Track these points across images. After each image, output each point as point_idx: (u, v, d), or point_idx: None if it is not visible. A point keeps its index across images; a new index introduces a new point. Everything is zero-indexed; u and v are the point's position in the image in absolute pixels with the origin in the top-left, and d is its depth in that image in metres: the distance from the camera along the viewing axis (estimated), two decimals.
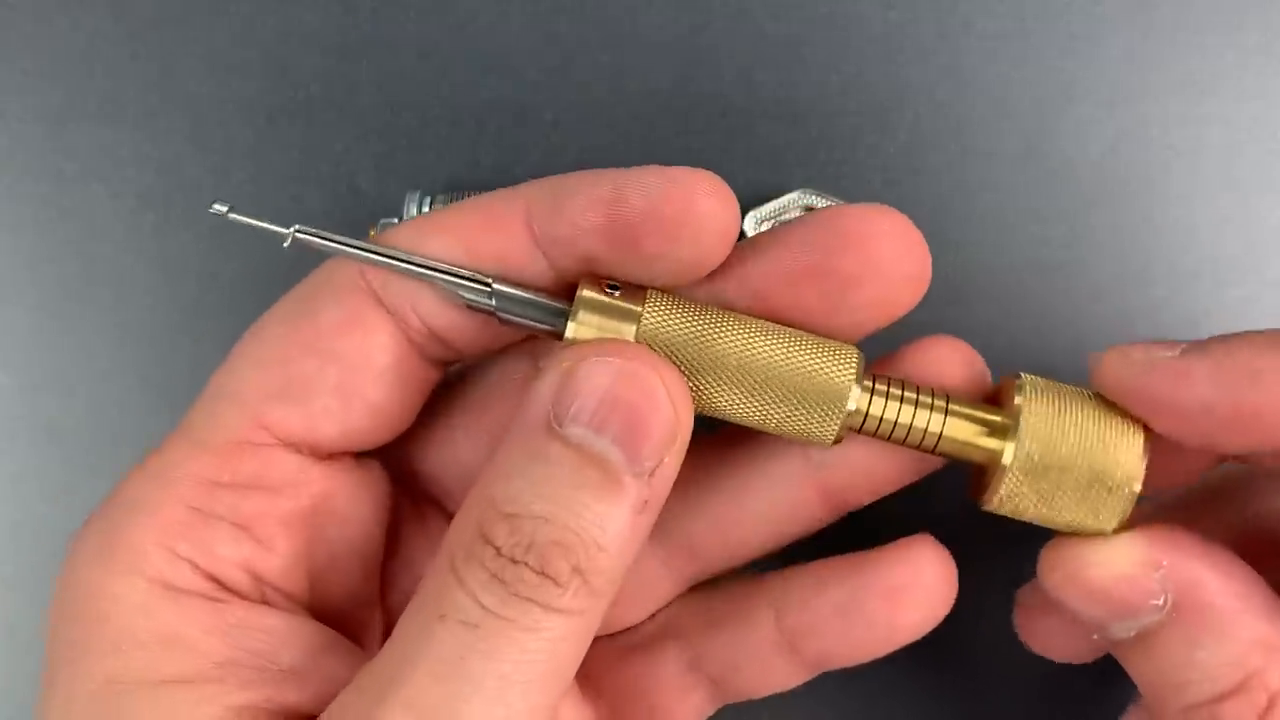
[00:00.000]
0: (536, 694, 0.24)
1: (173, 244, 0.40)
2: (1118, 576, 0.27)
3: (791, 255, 0.27)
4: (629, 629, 0.33)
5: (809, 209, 0.39)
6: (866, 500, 0.31)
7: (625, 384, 0.25)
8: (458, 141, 0.41)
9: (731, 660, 0.31)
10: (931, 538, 0.30)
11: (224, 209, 0.27)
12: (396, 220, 0.39)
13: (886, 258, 0.27)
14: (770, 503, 0.31)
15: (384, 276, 0.27)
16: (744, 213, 0.39)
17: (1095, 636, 0.28)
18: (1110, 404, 0.28)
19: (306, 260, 0.28)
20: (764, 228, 0.39)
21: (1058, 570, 0.28)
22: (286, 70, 0.41)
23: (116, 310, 0.40)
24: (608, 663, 0.32)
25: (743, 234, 0.39)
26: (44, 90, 0.41)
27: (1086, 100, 0.40)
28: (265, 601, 0.27)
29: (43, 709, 0.26)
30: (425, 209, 0.38)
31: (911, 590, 0.29)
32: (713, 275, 0.27)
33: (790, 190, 0.39)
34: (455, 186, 0.40)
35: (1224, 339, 0.27)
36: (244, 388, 0.27)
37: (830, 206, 0.28)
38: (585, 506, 0.24)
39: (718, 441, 0.27)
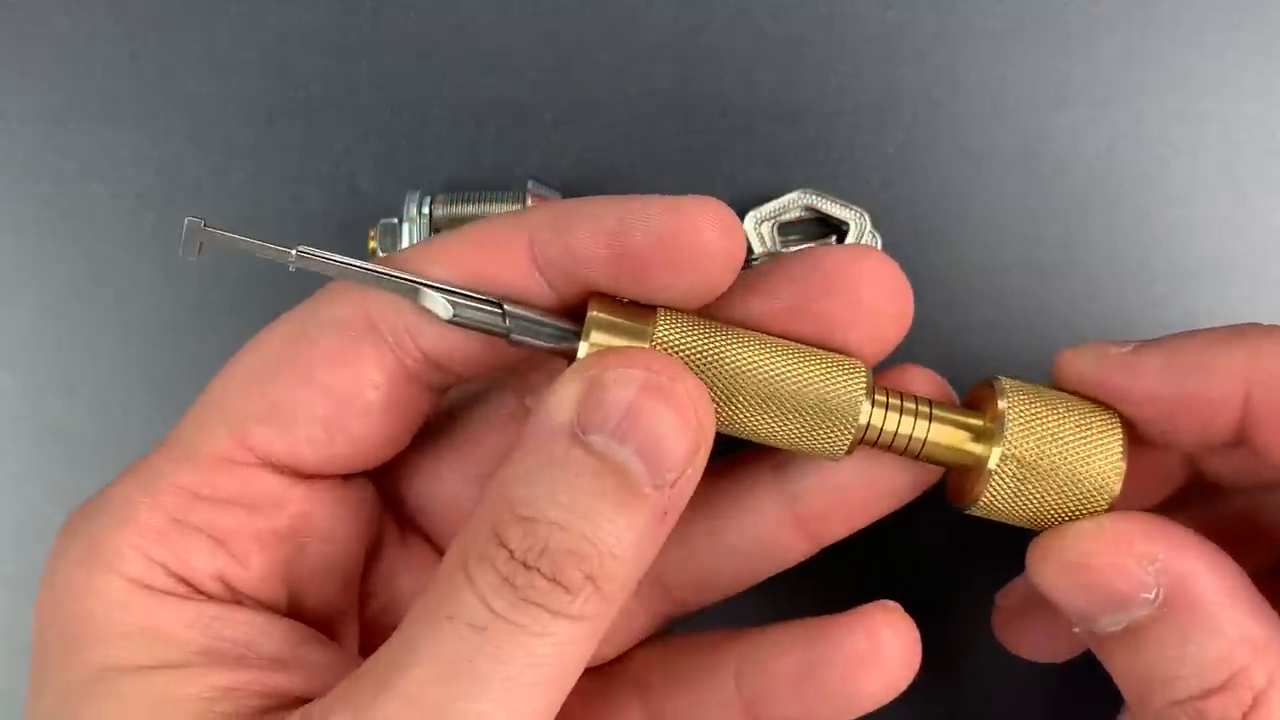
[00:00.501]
0: (541, 696, 0.24)
1: (173, 244, 0.40)
2: (1112, 567, 0.27)
3: (781, 297, 0.28)
4: (599, 667, 0.32)
5: (809, 209, 0.39)
6: (843, 532, 0.31)
7: (650, 395, 0.24)
8: (458, 141, 0.41)
9: (690, 719, 0.31)
10: (895, 604, 0.29)
11: (195, 242, 0.26)
12: (396, 220, 0.39)
13: (870, 300, 0.28)
14: (745, 536, 0.31)
15: (382, 303, 0.27)
16: (744, 213, 0.39)
17: (1077, 630, 0.28)
18: (1089, 404, 0.28)
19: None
20: (764, 228, 0.39)
21: (1049, 560, 0.28)
22: (286, 70, 0.41)
23: (118, 310, 0.40)
24: (577, 706, 0.32)
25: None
26: (44, 90, 0.41)
27: (1083, 100, 0.40)
28: (240, 604, 0.28)
29: (35, 701, 0.27)
30: (425, 209, 0.38)
31: (870, 661, 0.28)
32: (710, 305, 0.28)
33: (790, 190, 0.39)
34: (455, 186, 0.40)
35: (1176, 335, 0.28)
36: (232, 405, 0.28)
37: (814, 247, 0.29)
38: (604, 516, 0.24)
39: None
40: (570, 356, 0.26)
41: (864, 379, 0.27)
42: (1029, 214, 0.40)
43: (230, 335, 0.40)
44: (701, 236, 0.26)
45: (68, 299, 0.40)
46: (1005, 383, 0.28)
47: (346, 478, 0.29)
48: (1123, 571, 0.27)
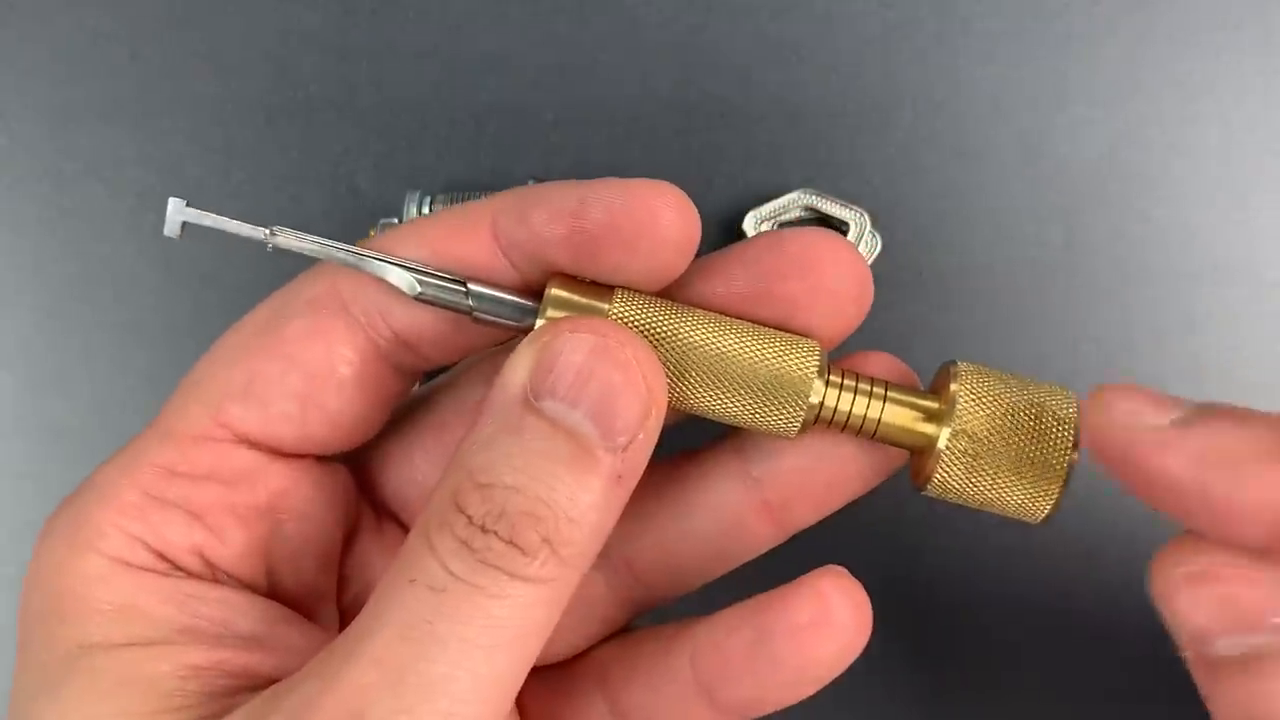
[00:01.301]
0: (501, 659, 0.24)
1: (173, 244, 0.40)
2: (1245, 580, 0.25)
3: (741, 280, 0.28)
4: (564, 662, 0.33)
5: (809, 209, 0.39)
6: (810, 517, 0.31)
7: (599, 359, 0.25)
8: (458, 141, 0.41)
9: (651, 711, 0.30)
10: (841, 569, 0.29)
11: (177, 222, 0.28)
12: (396, 220, 0.39)
13: (829, 283, 0.28)
14: (711, 521, 0.31)
15: (355, 286, 0.28)
16: (744, 213, 0.39)
17: (1188, 654, 0.26)
18: (1044, 384, 0.29)
19: (306, 261, 0.28)
20: (764, 228, 0.39)
21: (1180, 568, 0.26)
22: (286, 70, 0.41)
23: (117, 310, 0.40)
24: (543, 700, 0.32)
25: (743, 234, 0.39)
26: (44, 90, 0.41)
27: (1084, 100, 0.40)
28: (219, 582, 0.28)
29: (18, 675, 0.27)
30: (425, 209, 0.38)
31: (820, 625, 0.28)
32: (669, 289, 0.28)
33: (790, 190, 0.39)
34: (455, 186, 0.40)
35: (1212, 415, 0.26)
36: (208, 385, 0.28)
37: (774, 231, 0.29)
38: (558, 479, 0.24)
39: (659, 463, 0.27)
40: (525, 328, 0.27)
41: (817, 358, 0.28)
42: (1029, 214, 0.40)
43: None
44: (656, 218, 0.26)
45: (68, 299, 0.40)
46: (960, 365, 0.29)
47: (323, 460, 0.30)
48: (1257, 587, 0.25)
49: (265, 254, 0.40)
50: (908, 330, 0.40)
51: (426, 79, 0.41)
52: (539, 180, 0.39)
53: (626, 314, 0.27)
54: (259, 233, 0.27)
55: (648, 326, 0.27)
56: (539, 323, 0.27)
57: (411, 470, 0.32)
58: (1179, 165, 0.40)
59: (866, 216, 0.39)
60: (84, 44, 0.41)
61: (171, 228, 0.28)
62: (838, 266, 0.28)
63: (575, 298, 0.27)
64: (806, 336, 0.28)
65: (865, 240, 0.39)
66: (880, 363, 0.30)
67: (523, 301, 0.28)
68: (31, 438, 0.40)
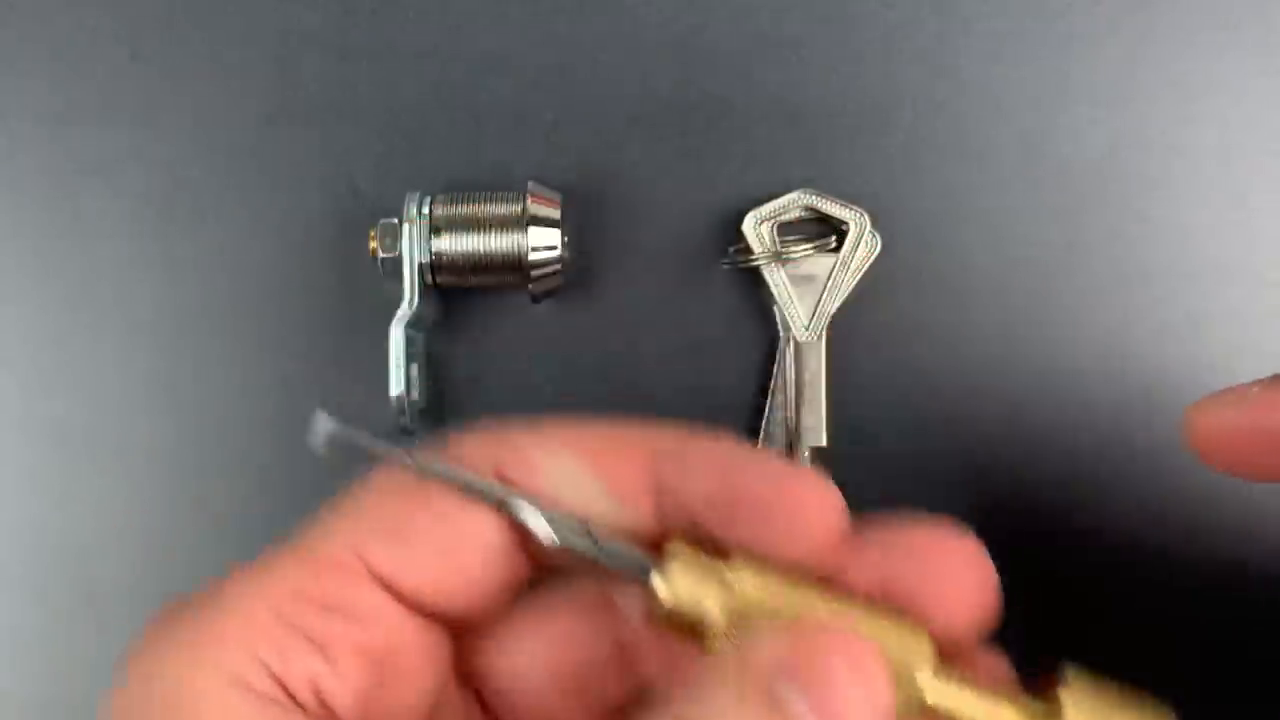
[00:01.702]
0: None
1: (173, 244, 0.40)
2: None
3: (856, 567, 0.28)
4: None
5: (809, 209, 0.39)
6: None
7: (850, 673, 0.25)
8: (458, 141, 0.41)
9: None
10: None
11: (322, 436, 0.28)
12: (396, 220, 0.38)
13: (949, 586, 0.28)
14: None
15: (510, 459, 0.28)
16: (744, 213, 0.39)
17: None
18: (1147, 705, 0.28)
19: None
20: (764, 228, 0.39)
21: None
22: (286, 70, 0.41)
23: (117, 310, 0.40)
24: None
25: (742, 234, 0.39)
26: (44, 90, 0.41)
27: (1085, 100, 0.40)
28: None
29: None
30: (425, 209, 0.38)
31: None
32: None
33: (790, 190, 0.39)
34: (455, 186, 0.40)
35: None
36: (355, 517, 0.28)
37: (899, 522, 0.29)
38: None
39: None
40: (645, 582, 0.28)
41: (928, 653, 0.27)
42: (1030, 214, 0.40)
43: (230, 335, 0.40)
44: (811, 518, 0.27)
45: (67, 299, 0.40)
46: (1071, 681, 0.28)
47: (436, 622, 0.29)
48: None
49: (267, 258, 0.40)
50: (908, 330, 0.40)
51: (426, 79, 0.41)
52: (539, 181, 0.39)
53: (747, 589, 0.27)
54: (401, 456, 0.28)
55: (761, 600, 0.27)
56: (659, 580, 0.27)
57: (510, 657, 0.31)
58: (1179, 165, 0.40)
59: (866, 216, 0.39)
60: (84, 44, 0.41)
61: (316, 440, 0.28)
62: (961, 570, 0.28)
63: (698, 562, 0.27)
64: (920, 628, 0.28)
65: (865, 240, 0.39)
66: (989, 664, 0.29)
67: (645, 562, 0.28)
68: (32, 437, 0.40)
